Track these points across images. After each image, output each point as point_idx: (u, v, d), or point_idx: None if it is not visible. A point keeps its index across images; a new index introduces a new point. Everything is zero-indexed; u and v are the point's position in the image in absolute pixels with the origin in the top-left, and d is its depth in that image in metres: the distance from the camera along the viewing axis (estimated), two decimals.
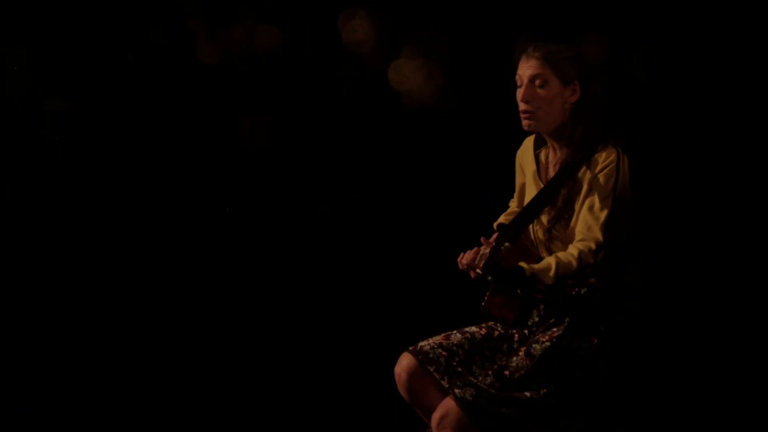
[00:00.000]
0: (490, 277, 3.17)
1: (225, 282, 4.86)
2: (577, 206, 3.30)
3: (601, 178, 3.25)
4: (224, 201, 4.87)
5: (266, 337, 4.87)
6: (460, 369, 3.32)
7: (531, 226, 3.42)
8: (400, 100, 4.67)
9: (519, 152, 3.56)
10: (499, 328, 3.43)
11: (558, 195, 3.32)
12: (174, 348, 4.84)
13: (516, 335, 3.41)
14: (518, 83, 3.37)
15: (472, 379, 3.28)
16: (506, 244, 3.19)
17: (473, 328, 3.43)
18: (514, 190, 3.64)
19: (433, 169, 4.76)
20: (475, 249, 3.27)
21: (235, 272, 4.86)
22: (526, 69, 3.34)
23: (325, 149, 4.85)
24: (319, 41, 4.82)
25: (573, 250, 3.23)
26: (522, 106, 3.34)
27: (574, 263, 3.20)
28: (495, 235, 3.33)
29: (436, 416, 3.30)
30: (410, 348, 3.40)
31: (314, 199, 4.86)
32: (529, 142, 3.52)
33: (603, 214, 3.23)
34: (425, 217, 4.73)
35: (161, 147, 4.86)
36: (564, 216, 3.32)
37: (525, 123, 3.36)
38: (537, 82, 3.32)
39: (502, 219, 3.62)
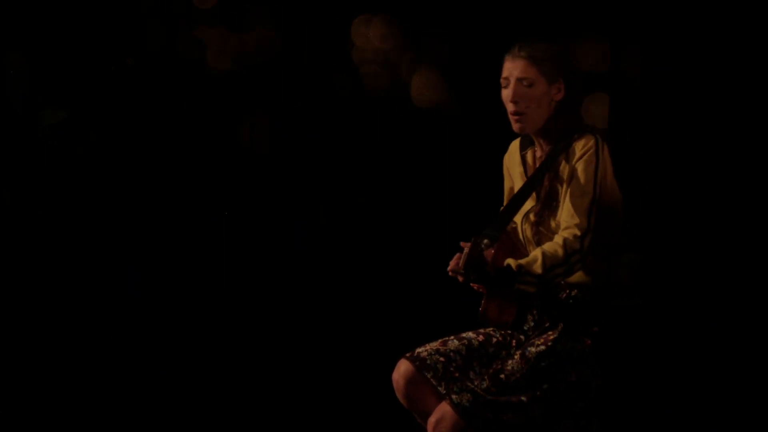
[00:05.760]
0: (473, 276, 3.15)
1: (224, 287, 4.86)
2: (561, 198, 3.31)
3: (580, 165, 3.27)
4: (223, 205, 4.87)
5: (266, 342, 4.87)
6: (457, 374, 3.33)
7: (519, 225, 3.42)
8: (401, 103, 4.67)
9: (506, 157, 3.56)
10: (498, 335, 3.43)
11: (540, 187, 3.34)
12: (174, 352, 4.84)
13: (513, 341, 3.41)
14: (504, 84, 3.39)
15: (468, 384, 3.29)
16: (485, 240, 3.17)
17: (470, 334, 3.44)
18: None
19: (431, 174, 4.76)
20: (457, 255, 3.29)
21: (235, 277, 4.86)
22: (512, 69, 3.35)
23: (325, 153, 4.85)
24: (319, 44, 4.81)
25: (558, 238, 3.24)
26: (511, 107, 3.36)
27: (560, 251, 3.20)
28: (473, 239, 3.33)
29: (431, 420, 3.30)
30: (407, 354, 3.40)
31: (313, 203, 4.85)
32: (515, 146, 3.53)
33: (585, 200, 3.24)
34: (422, 223, 4.73)
35: (160, 151, 4.85)
36: (549, 209, 3.34)
37: (516, 126, 3.37)
38: (524, 82, 3.33)
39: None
